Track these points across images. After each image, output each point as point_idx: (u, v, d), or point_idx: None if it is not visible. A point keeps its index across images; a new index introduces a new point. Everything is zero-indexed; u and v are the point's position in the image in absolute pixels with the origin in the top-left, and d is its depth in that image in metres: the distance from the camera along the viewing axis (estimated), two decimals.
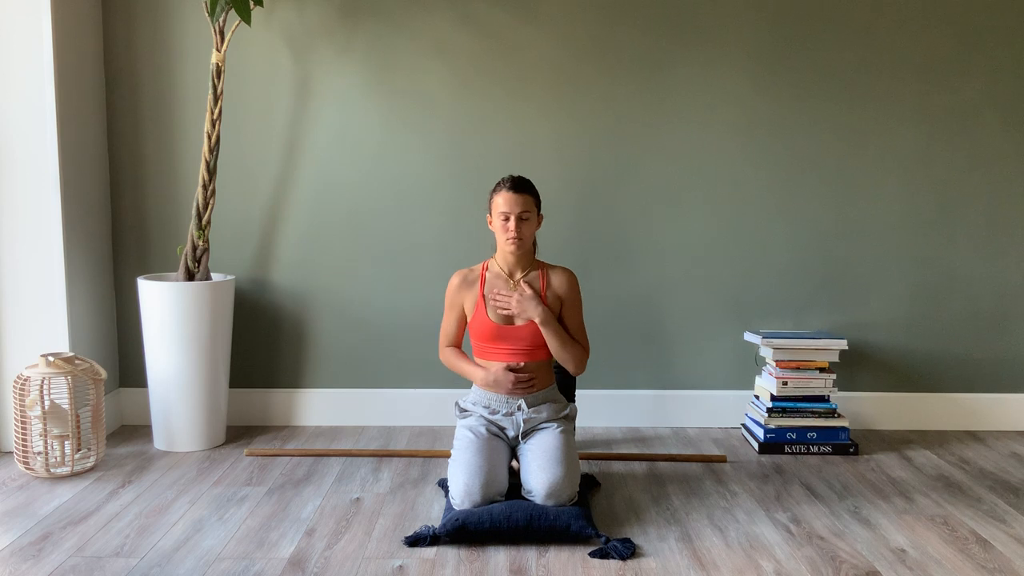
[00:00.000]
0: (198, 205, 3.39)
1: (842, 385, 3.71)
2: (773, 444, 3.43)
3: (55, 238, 3.28)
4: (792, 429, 3.43)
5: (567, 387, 3.31)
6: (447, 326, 3.04)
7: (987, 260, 3.70)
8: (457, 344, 3.06)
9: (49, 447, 3.08)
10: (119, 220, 3.67)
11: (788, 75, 3.61)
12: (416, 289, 3.69)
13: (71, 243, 3.35)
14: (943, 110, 3.63)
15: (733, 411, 3.75)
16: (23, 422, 3.06)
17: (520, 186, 2.89)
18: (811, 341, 3.49)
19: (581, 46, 3.59)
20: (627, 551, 2.49)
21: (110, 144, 3.63)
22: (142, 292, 3.37)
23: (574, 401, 3.35)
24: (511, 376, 2.87)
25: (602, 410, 3.73)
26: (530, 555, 2.50)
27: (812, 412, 3.46)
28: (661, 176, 3.66)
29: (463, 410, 2.98)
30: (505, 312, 2.89)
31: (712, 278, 3.71)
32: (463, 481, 2.68)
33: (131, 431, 3.64)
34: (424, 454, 3.36)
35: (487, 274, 2.97)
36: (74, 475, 3.10)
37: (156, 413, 3.42)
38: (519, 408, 2.90)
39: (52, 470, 3.08)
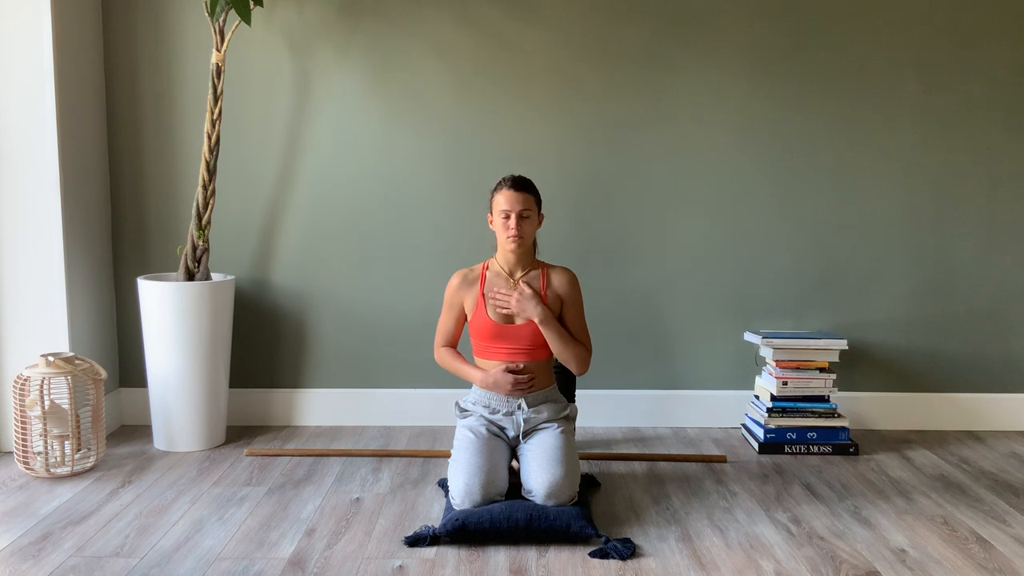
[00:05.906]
0: (198, 205, 3.39)
1: (842, 385, 3.71)
2: (773, 444, 3.43)
3: (55, 238, 3.28)
4: (792, 429, 3.43)
5: (567, 387, 3.32)
6: (445, 325, 3.03)
7: (986, 260, 3.70)
8: (453, 345, 3.06)
9: (49, 447, 3.08)
10: (119, 220, 3.67)
11: (788, 75, 3.61)
12: (416, 289, 3.69)
13: (71, 243, 3.35)
14: (943, 110, 3.63)
15: (733, 411, 3.75)
16: (23, 422, 3.06)
17: (521, 184, 2.89)
18: (811, 341, 3.50)
19: (581, 46, 3.59)
20: (627, 551, 2.49)
21: (110, 144, 3.63)
22: (142, 292, 3.37)
23: (574, 401, 3.36)
24: (510, 377, 2.87)
25: (602, 410, 3.73)
26: (530, 555, 2.50)
27: (812, 412, 3.46)
28: (661, 176, 3.66)
29: (463, 410, 2.98)
30: (505, 311, 2.89)
31: (712, 278, 3.71)
32: (463, 481, 2.68)
33: (131, 431, 3.64)
34: (424, 454, 3.36)
35: (487, 273, 2.97)
36: (74, 475, 3.10)
37: (156, 413, 3.42)
38: (519, 408, 2.90)
39: (52, 470, 3.08)
